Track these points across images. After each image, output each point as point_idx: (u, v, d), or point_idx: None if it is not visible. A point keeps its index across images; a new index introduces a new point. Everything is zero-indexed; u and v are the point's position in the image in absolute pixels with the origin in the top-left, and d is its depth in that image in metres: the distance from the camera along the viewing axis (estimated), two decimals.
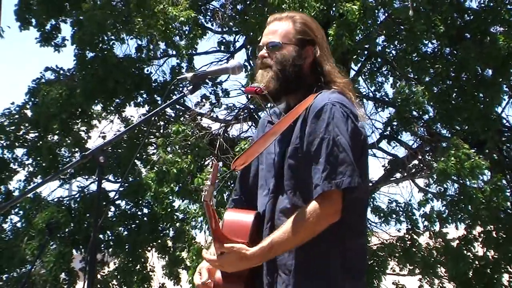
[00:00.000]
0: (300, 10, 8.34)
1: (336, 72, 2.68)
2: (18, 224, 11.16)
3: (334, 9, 9.14)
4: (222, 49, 11.60)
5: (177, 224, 10.41)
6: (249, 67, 10.51)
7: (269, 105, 2.78)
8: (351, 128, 2.49)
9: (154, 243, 11.15)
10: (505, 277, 11.05)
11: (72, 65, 11.21)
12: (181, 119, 10.90)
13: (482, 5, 10.28)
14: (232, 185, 9.67)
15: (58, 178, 11.36)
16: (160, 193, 9.57)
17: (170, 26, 9.42)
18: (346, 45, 8.77)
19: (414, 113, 10.26)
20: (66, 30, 11.58)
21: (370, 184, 11.14)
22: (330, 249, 2.48)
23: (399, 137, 11.22)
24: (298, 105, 2.59)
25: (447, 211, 10.33)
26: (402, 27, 9.86)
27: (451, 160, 8.80)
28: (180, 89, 9.99)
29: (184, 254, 10.76)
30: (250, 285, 2.59)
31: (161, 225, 11.01)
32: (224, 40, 11.56)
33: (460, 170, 8.81)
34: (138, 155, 11.04)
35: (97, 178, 2.70)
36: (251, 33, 9.77)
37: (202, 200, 2.41)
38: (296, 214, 2.44)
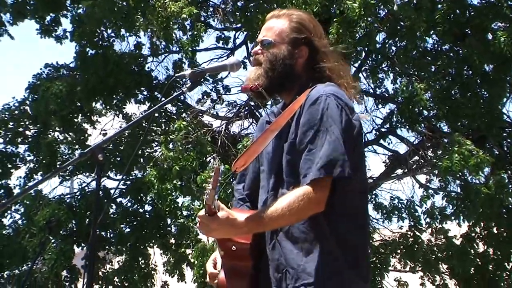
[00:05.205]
0: (303, 6, 8.32)
1: (336, 69, 2.67)
2: (19, 221, 11.18)
3: (335, 6, 9.10)
4: (221, 44, 11.57)
5: (181, 221, 10.38)
6: (248, 64, 10.46)
7: (268, 102, 2.78)
8: (345, 120, 2.49)
9: (157, 240, 11.14)
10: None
11: (72, 61, 11.18)
12: (183, 115, 10.87)
13: (483, 1, 10.23)
14: (234, 181, 9.63)
15: (58, 175, 11.33)
16: (164, 190, 9.55)
17: (171, 23, 9.39)
18: (346, 43, 8.73)
19: (416, 109, 10.20)
20: (67, 23, 11.47)
21: (371, 181, 11.12)
22: (331, 240, 2.48)
23: (399, 133, 11.18)
24: (293, 102, 2.60)
25: (450, 207, 10.29)
26: (402, 23, 9.81)
27: (455, 157, 8.75)
28: (181, 85, 9.95)
29: (188, 251, 10.73)
30: (255, 284, 2.60)
31: (163, 223, 11.00)
32: (223, 36, 11.53)
33: (464, 167, 8.76)
34: (140, 152, 11.01)
35: (96, 176, 2.70)
36: (253, 30, 9.73)
37: (205, 203, 2.41)
38: (288, 194, 2.43)
